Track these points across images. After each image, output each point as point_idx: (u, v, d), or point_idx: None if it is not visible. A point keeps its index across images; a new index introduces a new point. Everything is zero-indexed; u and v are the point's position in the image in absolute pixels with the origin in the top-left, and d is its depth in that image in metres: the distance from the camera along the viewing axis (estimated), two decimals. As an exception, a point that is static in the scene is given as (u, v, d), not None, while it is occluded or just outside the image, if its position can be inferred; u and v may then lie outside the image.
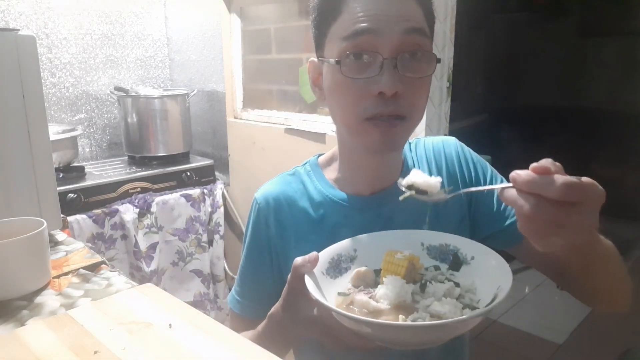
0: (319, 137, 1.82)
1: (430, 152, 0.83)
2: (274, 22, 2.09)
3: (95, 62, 2.32)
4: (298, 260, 0.61)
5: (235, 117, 2.29)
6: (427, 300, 0.58)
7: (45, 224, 0.74)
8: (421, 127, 1.59)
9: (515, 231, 0.79)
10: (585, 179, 0.47)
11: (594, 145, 3.76)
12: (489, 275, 0.59)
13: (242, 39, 2.23)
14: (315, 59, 0.76)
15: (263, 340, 0.70)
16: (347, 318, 0.52)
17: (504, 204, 0.79)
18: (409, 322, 0.54)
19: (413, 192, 0.60)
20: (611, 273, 0.69)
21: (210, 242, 2.21)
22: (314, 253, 0.62)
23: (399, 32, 0.66)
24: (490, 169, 0.84)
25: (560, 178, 0.45)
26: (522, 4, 4.17)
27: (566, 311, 2.70)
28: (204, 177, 2.24)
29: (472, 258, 0.64)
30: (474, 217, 0.81)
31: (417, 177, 0.61)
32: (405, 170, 0.81)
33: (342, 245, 0.68)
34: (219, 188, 2.23)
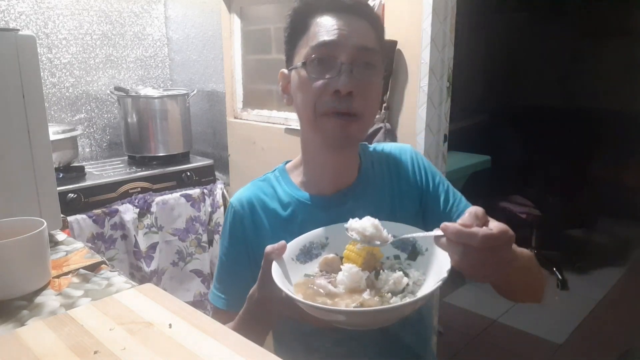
0: (319, 137, 1.81)
1: (389, 156, 0.95)
2: (274, 22, 2.09)
3: (95, 62, 2.32)
4: (268, 248, 0.70)
5: (235, 117, 2.29)
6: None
7: (45, 224, 0.74)
8: (421, 127, 1.59)
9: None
10: (497, 227, 0.59)
11: (594, 145, 3.76)
12: (436, 267, 0.67)
13: (242, 39, 2.23)
14: (285, 70, 0.89)
15: (245, 321, 0.79)
16: (295, 300, 0.61)
17: (450, 205, 0.91)
18: (333, 307, 0.62)
19: (361, 243, 0.69)
20: (527, 275, 0.84)
21: (210, 242, 2.21)
22: (282, 242, 0.71)
23: (356, 45, 0.80)
24: (439, 175, 0.95)
25: (480, 231, 0.57)
26: (522, 4, 4.17)
27: (566, 311, 2.70)
28: (204, 177, 2.23)
29: (426, 249, 0.72)
30: (424, 213, 0.92)
31: (369, 227, 0.68)
32: (362, 171, 0.92)
33: (314, 234, 0.77)
34: (219, 188, 2.23)
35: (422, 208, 0.92)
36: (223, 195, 2.25)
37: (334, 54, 0.79)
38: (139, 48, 2.45)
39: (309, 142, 0.90)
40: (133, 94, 2.20)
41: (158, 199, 2.02)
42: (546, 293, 0.87)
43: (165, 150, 2.24)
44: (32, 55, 0.86)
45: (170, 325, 0.59)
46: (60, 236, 0.95)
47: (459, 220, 0.60)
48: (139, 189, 2.03)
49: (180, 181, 2.16)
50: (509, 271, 0.64)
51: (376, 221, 0.69)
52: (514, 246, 0.69)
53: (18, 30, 0.85)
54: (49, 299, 0.71)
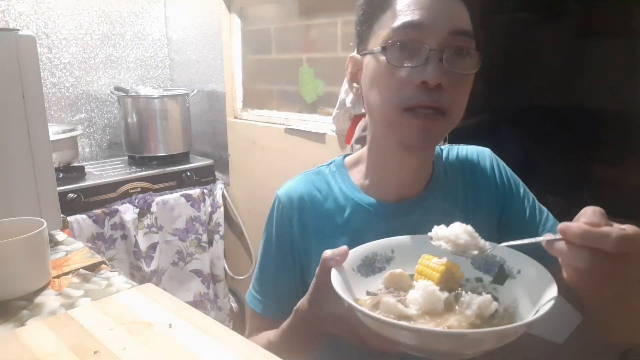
0: (319, 137, 1.82)
1: (465, 162, 0.83)
2: (274, 22, 2.09)
3: (95, 62, 2.32)
4: (327, 253, 0.59)
5: (235, 117, 2.29)
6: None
7: (45, 224, 0.74)
8: (421, 127, 1.58)
9: (543, 254, 0.66)
10: (630, 228, 0.48)
11: (594, 145, 3.75)
12: (533, 292, 0.55)
13: (242, 39, 2.23)
14: (357, 55, 0.77)
15: (288, 337, 0.69)
16: (367, 317, 0.50)
17: (536, 223, 0.80)
18: (419, 326, 0.50)
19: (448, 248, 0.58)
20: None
21: (210, 242, 2.21)
22: (344, 247, 0.60)
23: (447, 29, 0.67)
24: (522, 186, 0.83)
25: (615, 231, 0.46)
26: (522, 4, 4.17)
27: (566, 311, 2.70)
28: (204, 177, 2.23)
29: (519, 272, 0.59)
30: (502, 230, 0.80)
31: (462, 234, 0.58)
32: (433, 179, 0.80)
33: (379, 244, 0.65)
34: (219, 188, 2.23)
35: (501, 225, 0.80)
36: (223, 195, 2.25)
37: (421, 37, 0.66)
38: (139, 48, 2.45)
39: (379, 141, 0.77)
40: (133, 94, 2.20)
41: (158, 199, 2.02)
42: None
43: (165, 150, 2.24)
44: (32, 55, 0.86)
45: (170, 325, 0.59)
46: (60, 236, 0.95)
47: (583, 219, 0.49)
48: (139, 189, 2.03)
49: (180, 181, 2.15)
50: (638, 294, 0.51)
51: (469, 227, 0.58)
52: None
53: (18, 30, 0.85)
54: (49, 299, 0.71)
